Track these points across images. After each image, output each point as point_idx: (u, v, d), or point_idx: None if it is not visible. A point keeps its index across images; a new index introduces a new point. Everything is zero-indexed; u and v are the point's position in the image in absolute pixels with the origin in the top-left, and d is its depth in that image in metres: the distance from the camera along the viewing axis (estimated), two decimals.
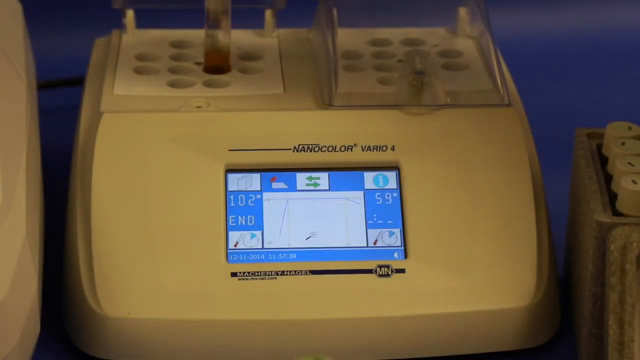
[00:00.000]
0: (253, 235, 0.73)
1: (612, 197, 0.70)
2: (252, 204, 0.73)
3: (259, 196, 0.74)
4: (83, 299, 0.71)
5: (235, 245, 0.72)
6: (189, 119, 0.76)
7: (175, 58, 0.85)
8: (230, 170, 0.74)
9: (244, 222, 0.73)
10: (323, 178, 0.75)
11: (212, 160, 0.74)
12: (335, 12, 0.82)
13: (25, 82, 0.76)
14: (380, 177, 0.75)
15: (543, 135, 0.78)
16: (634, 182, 0.68)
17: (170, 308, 0.70)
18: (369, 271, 0.72)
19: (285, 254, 0.72)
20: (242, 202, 0.73)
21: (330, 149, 0.75)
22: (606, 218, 0.68)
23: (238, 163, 0.74)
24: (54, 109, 0.88)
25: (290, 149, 0.75)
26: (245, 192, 0.74)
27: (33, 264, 0.65)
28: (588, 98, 1.02)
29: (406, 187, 0.74)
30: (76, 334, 0.72)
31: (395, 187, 0.74)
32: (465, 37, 0.87)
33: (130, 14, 0.87)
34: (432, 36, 0.87)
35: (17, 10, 0.84)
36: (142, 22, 0.88)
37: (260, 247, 0.72)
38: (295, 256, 0.72)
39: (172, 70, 0.83)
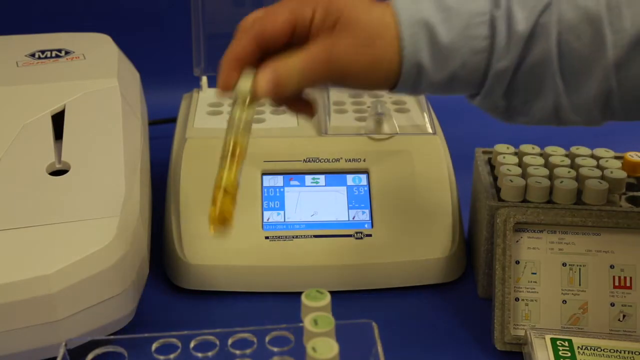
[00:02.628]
0: (279, 214, 0.72)
1: (497, 190, 0.69)
2: (278, 194, 0.72)
3: (282, 189, 0.73)
4: (175, 252, 0.70)
5: (268, 220, 0.71)
6: None
7: (231, 105, 0.84)
8: (264, 173, 0.73)
9: (273, 205, 0.72)
10: (322, 178, 0.74)
11: (253, 167, 0.73)
12: None
13: (140, 120, 0.76)
14: (357, 178, 0.74)
15: (456, 152, 0.77)
16: (510, 180, 0.68)
17: (227, 258, 0.69)
18: (350, 235, 0.71)
19: (298, 225, 0.71)
20: (272, 193, 0.72)
21: (326, 160, 0.74)
22: (494, 202, 0.67)
23: (269, 169, 0.73)
24: (158, 136, 0.87)
25: (301, 160, 0.74)
26: (274, 187, 0.73)
27: (144, 231, 0.64)
28: (483, 129, 1.02)
29: (372, 184, 0.73)
30: (170, 273, 0.72)
31: (365, 184, 0.73)
32: None
33: (204, 78, 0.86)
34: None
35: (136, 75, 0.84)
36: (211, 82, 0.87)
37: (283, 220, 0.71)
38: (304, 226, 0.71)
39: (230, 113, 0.82)
